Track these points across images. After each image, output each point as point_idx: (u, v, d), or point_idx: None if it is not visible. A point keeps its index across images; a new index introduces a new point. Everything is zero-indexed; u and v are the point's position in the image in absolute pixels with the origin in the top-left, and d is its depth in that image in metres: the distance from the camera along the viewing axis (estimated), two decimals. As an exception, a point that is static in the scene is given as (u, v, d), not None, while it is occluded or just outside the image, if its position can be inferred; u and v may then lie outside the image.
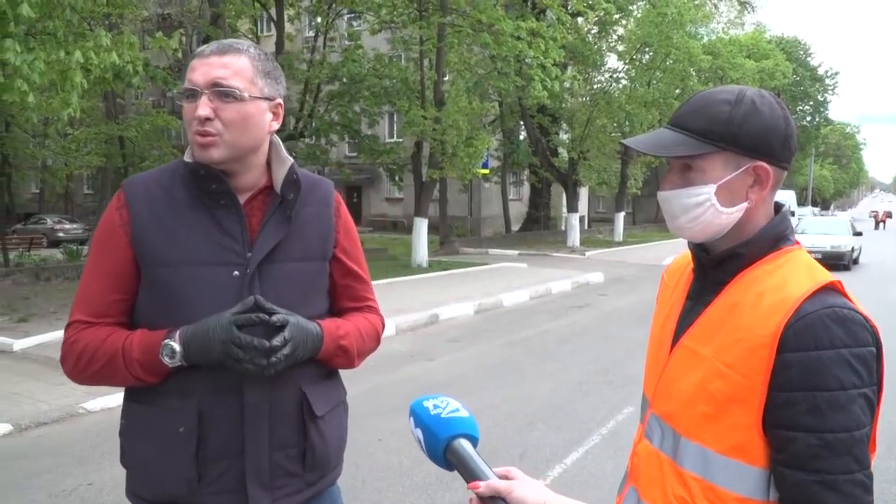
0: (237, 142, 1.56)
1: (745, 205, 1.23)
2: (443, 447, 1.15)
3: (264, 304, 1.53)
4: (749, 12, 46.70)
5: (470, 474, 1.12)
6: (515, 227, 33.16)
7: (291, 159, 1.69)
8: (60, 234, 27.97)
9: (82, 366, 1.58)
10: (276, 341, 1.50)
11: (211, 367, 1.52)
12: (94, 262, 1.62)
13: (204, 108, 1.52)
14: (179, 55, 13.94)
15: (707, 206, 1.22)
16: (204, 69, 1.54)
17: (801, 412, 1.09)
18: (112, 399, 6.26)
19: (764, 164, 1.21)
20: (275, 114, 1.64)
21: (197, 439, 1.56)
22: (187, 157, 1.61)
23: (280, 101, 1.65)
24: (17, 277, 13.83)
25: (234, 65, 1.55)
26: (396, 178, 31.76)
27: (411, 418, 1.21)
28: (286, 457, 1.64)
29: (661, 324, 1.39)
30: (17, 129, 19.57)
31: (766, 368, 1.12)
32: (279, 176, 1.66)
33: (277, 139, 1.70)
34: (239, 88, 1.54)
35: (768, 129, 1.20)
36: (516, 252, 22.71)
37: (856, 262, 19.88)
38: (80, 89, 8.29)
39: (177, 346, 1.51)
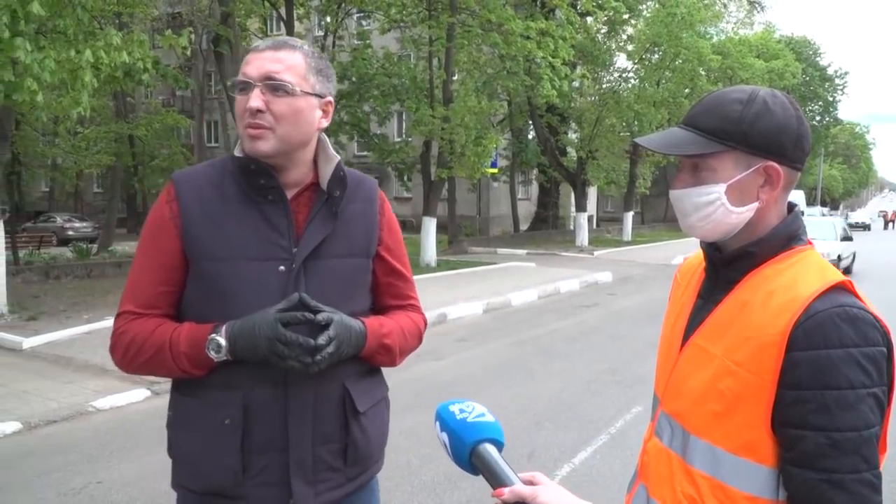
0: (287, 136, 1.58)
1: (755, 204, 1.22)
2: (468, 452, 1.16)
3: (308, 302, 1.55)
4: (758, 12, 46.44)
5: (495, 479, 1.12)
6: (524, 227, 33.13)
7: (338, 157, 1.71)
8: (70, 233, 28.11)
9: (131, 356, 1.61)
10: (321, 340, 1.52)
11: (256, 362, 1.54)
12: (144, 254, 1.64)
13: (256, 100, 1.54)
14: (189, 53, 13.98)
15: (717, 204, 1.22)
16: (258, 63, 1.57)
17: (809, 411, 1.08)
18: (121, 398, 6.30)
19: (775, 164, 1.20)
20: (324, 111, 1.67)
21: (242, 431, 1.58)
22: (237, 152, 1.64)
23: (331, 99, 1.68)
24: (27, 276, 13.91)
25: (288, 60, 1.58)
26: (405, 178, 31.78)
27: (437, 422, 1.21)
28: (328, 452, 1.66)
29: (673, 322, 1.39)
30: (27, 127, 19.68)
31: (775, 367, 1.11)
32: (326, 173, 1.69)
33: (325, 136, 1.73)
34: (291, 83, 1.56)
35: (780, 129, 1.20)
36: (525, 251, 22.68)
37: (847, 271, 16.37)
38: (90, 88, 8.33)
39: (222, 341, 1.53)
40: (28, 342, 8.27)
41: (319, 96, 1.63)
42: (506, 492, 1.09)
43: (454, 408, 1.20)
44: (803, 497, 1.10)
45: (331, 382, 1.64)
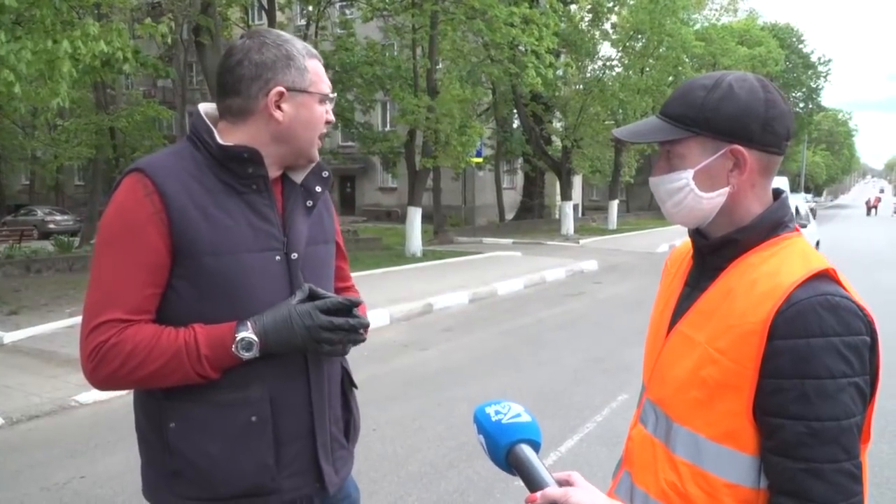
0: None
1: (726, 189, 1.22)
2: (504, 453, 1.15)
3: (316, 290, 1.60)
4: (742, -1, 46.60)
5: (530, 481, 1.11)
6: (509, 216, 33.17)
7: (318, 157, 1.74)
8: (51, 226, 27.82)
9: (130, 367, 1.48)
10: (362, 319, 1.60)
11: (282, 354, 1.56)
12: (121, 254, 1.51)
13: (331, 113, 1.67)
14: (169, 42, 13.82)
15: (687, 190, 1.23)
16: (326, 77, 1.66)
17: (789, 400, 1.08)
18: (104, 392, 6.24)
19: (740, 147, 1.19)
20: None
21: (272, 425, 1.58)
22: (221, 140, 1.58)
23: None
24: (8, 270, 13.77)
25: None
26: (390, 167, 31.69)
27: (474, 425, 1.21)
28: (338, 430, 1.74)
29: (661, 310, 1.39)
30: (5, 119, 19.43)
31: (756, 355, 1.11)
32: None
33: None
34: None
35: (744, 112, 1.19)
36: (510, 241, 22.72)
37: None
38: (68, 78, 8.22)
39: (254, 338, 1.51)
40: (9, 336, 8.19)
41: None
42: (538, 496, 1.08)
43: (490, 409, 1.20)
44: (782, 486, 1.10)
45: (334, 364, 1.73)
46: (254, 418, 1.55)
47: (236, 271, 1.54)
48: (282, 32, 1.63)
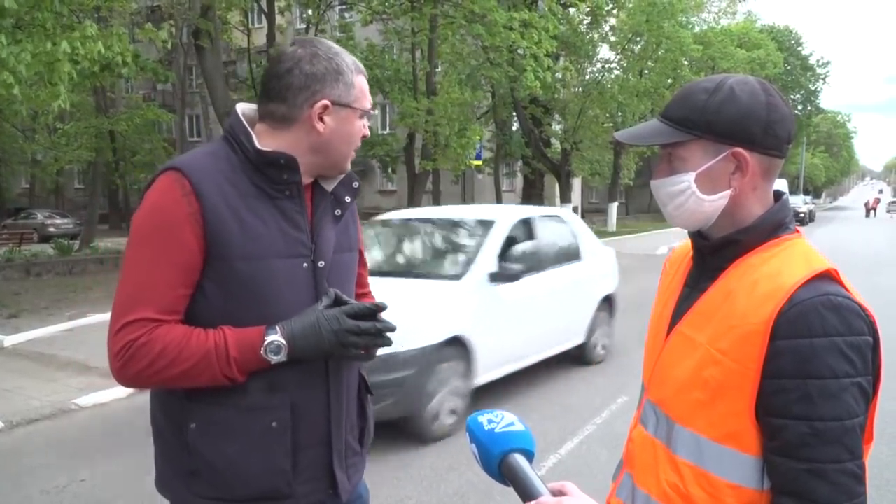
0: None
1: (728, 192, 1.22)
2: (497, 463, 1.14)
3: (342, 297, 1.61)
4: (740, 1, 46.74)
5: (523, 490, 1.11)
6: (509, 219, 33.07)
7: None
8: (51, 229, 27.76)
9: (158, 367, 1.48)
10: (387, 324, 1.63)
11: (305, 361, 1.57)
12: (155, 253, 1.51)
13: (367, 128, 1.70)
14: (169, 47, 13.84)
15: (689, 193, 1.23)
16: (368, 93, 1.68)
17: (792, 400, 1.08)
18: (104, 395, 6.24)
19: (742, 150, 1.20)
20: None
21: (291, 432, 1.59)
22: (258, 145, 1.58)
23: None
24: (8, 273, 13.77)
25: None
26: (389, 170, 31.70)
27: (467, 434, 1.20)
28: (353, 437, 1.76)
29: (660, 310, 1.39)
30: (5, 123, 19.44)
31: (759, 356, 1.11)
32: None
33: None
34: None
35: (745, 115, 1.19)
36: (510, 243, 22.63)
37: None
38: (68, 81, 8.22)
39: (283, 342, 1.52)
40: (9, 340, 8.19)
41: None
42: None
43: (483, 418, 1.19)
44: (786, 486, 1.10)
45: (352, 370, 1.74)
46: (274, 424, 1.57)
47: (265, 276, 1.55)
48: (333, 45, 1.64)
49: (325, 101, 1.58)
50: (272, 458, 1.57)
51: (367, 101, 1.66)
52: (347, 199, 1.73)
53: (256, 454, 1.57)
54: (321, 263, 1.63)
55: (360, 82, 1.64)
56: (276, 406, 1.57)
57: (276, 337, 1.52)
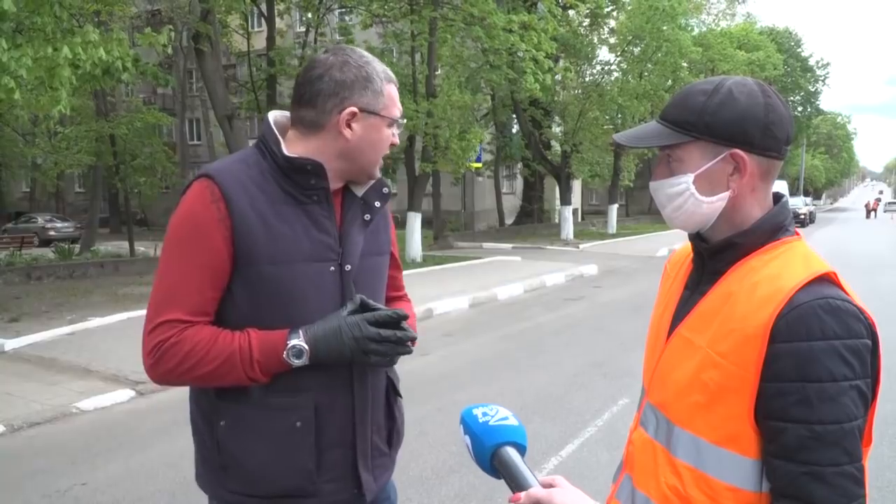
0: None
1: (726, 194, 1.22)
2: (489, 455, 1.16)
3: (368, 302, 1.63)
4: (740, 3, 46.82)
5: (514, 482, 1.12)
6: (509, 221, 33.17)
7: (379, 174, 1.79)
8: (52, 233, 27.84)
9: (187, 367, 1.54)
10: (409, 332, 1.64)
11: (329, 364, 1.59)
12: (186, 256, 1.57)
13: (397, 137, 1.71)
14: (169, 51, 13.84)
15: (687, 195, 1.23)
16: (399, 103, 1.70)
17: (791, 403, 1.08)
18: (106, 399, 6.24)
19: (741, 152, 1.20)
20: None
21: (314, 432, 1.62)
22: (286, 151, 1.62)
23: None
24: (9, 277, 13.77)
25: None
26: (389, 173, 31.71)
27: (461, 426, 1.22)
28: (380, 438, 1.78)
29: (660, 313, 1.39)
30: (6, 127, 19.46)
31: (758, 359, 1.11)
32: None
33: None
34: None
35: (743, 117, 1.19)
36: (510, 245, 22.71)
37: None
38: (68, 85, 8.23)
39: (305, 347, 1.55)
40: (10, 344, 8.18)
41: None
42: (522, 496, 1.09)
43: (477, 411, 1.21)
44: (785, 489, 1.10)
45: (379, 373, 1.76)
46: (298, 423, 1.61)
47: (292, 280, 1.59)
48: (364, 52, 1.66)
49: (353, 108, 1.60)
50: (296, 456, 1.62)
51: (396, 110, 1.67)
52: (377, 204, 1.75)
53: (281, 452, 1.61)
54: (348, 267, 1.66)
55: (390, 91, 1.66)
56: (301, 406, 1.61)
57: (298, 341, 1.56)
